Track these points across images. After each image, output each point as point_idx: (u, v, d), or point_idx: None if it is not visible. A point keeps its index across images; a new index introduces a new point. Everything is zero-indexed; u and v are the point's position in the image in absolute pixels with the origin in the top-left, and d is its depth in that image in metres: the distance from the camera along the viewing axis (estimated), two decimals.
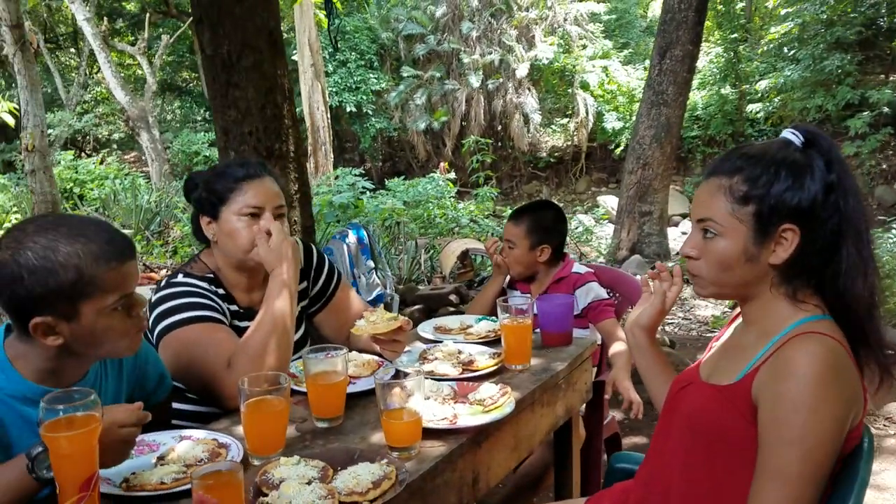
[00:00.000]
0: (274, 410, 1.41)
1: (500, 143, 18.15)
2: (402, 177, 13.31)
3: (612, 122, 16.59)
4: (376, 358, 1.87)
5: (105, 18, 15.43)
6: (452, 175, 13.14)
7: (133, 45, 14.70)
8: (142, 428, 1.31)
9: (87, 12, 11.32)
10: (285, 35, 17.98)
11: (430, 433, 1.49)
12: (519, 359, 1.89)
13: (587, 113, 17.00)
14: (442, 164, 13.67)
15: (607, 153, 16.78)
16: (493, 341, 2.06)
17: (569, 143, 18.22)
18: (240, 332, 1.81)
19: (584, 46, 17.34)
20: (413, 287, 5.26)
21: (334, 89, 16.00)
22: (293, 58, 14.01)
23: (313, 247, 2.10)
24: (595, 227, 11.47)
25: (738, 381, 1.27)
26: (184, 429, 1.56)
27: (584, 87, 17.08)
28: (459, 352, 1.93)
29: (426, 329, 2.17)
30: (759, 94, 14.02)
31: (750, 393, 1.24)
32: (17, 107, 8.01)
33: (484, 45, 17.20)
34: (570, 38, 17.32)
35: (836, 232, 1.25)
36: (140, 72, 15.58)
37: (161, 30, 16.19)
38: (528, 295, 2.55)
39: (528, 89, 17.31)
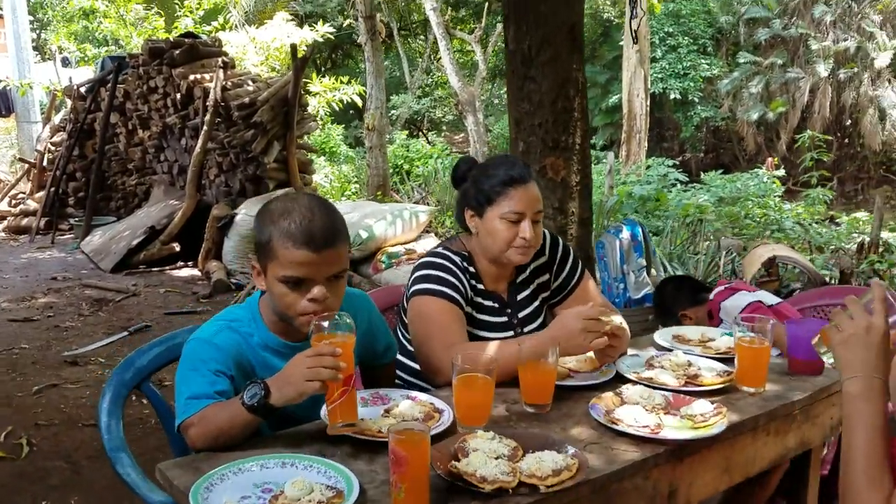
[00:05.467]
0: (480, 387, 1.56)
1: (846, 140, 16.25)
2: (722, 170, 12.56)
3: None
4: None
5: (450, 8, 16.77)
6: (781, 172, 12.08)
7: (471, 33, 15.84)
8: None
9: (435, 2, 12.44)
10: (615, 20, 17.84)
11: (628, 438, 1.52)
12: (752, 381, 1.79)
13: None
14: (770, 160, 12.62)
15: None
16: (731, 359, 1.96)
17: None
18: (478, 307, 2.01)
19: None
20: None
21: (659, 75, 15.58)
22: (619, 43, 13.93)
23: (559, 239, 2.18)
24: None
25: None
26: (414, 389, 1.79)
27: None
28: (689, 364, 1.89)
29: (664, 336, 2.13)
30: None
31: None
32: (365, 89, 9.24)
33: (839, 31, 15.48)
34: None
35: None
36: (475, 58, 16.72)
37: (497, 18, 17.19)
38: (771, 317, 2.36)
39: (889, 81, 15.22)
